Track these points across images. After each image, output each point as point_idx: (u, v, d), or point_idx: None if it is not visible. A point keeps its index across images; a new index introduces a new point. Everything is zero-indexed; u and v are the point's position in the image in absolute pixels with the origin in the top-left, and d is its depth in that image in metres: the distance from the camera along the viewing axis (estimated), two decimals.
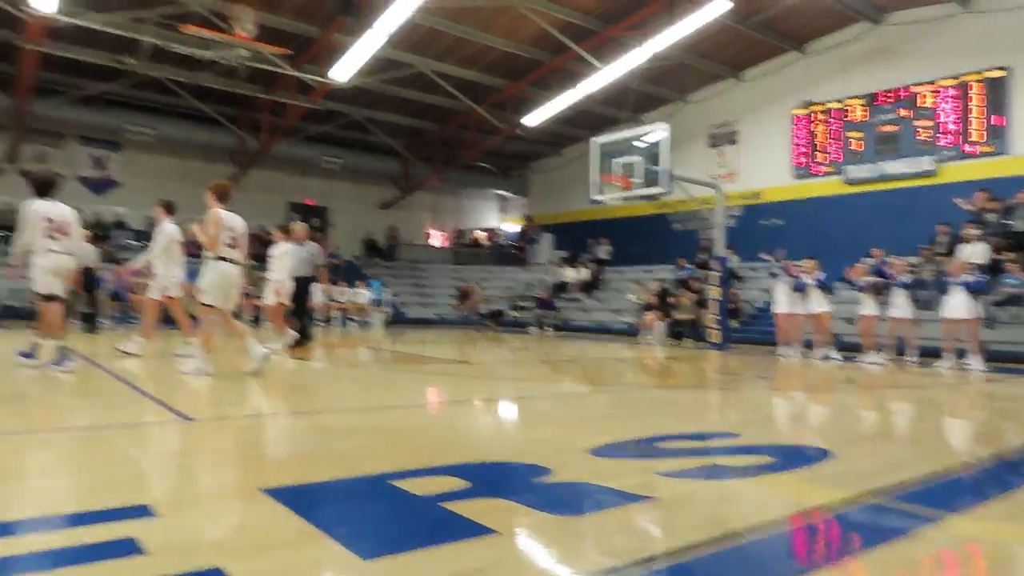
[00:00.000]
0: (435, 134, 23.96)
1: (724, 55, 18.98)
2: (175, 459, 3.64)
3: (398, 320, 21.07)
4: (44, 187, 6.99)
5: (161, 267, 8.43)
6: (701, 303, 15.35)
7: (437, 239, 28.20)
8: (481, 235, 29.11)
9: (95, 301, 14.11)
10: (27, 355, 6.89)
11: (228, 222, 6.81)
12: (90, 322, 13.55)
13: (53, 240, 6.75)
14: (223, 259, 6.75)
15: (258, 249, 13.91)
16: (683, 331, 15.52)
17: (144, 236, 20.74)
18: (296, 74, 16.20)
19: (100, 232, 20.00)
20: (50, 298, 6.86)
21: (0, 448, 3.55)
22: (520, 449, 4.12)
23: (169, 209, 8.58)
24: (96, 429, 4.36)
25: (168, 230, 8.38)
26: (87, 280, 13.00)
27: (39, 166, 20.21)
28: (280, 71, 15.81)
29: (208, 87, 17.91)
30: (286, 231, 10.38)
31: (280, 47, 14.43)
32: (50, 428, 4.38)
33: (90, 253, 12.96)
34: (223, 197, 6.92)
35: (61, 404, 5.44)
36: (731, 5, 14.63)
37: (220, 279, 6.77)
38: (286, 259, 9.90)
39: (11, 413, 4.70)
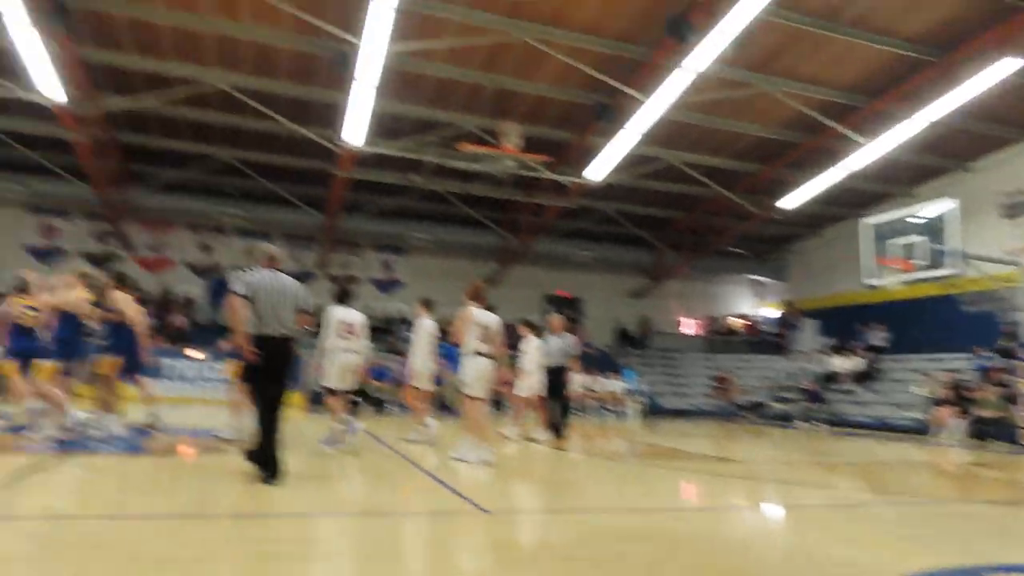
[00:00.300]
0: (684, 222, 23.96)
1: (1013, 116, 16.78)
2: (504, 552, 3.93)
3: (653, 410, 20.81)
4: (343, 295, 8.44)
5: (419, 360, 9.18)
6: (1009, 398, 13.16)
7: (689, 327, 27.69)
8: (735, 322, 28.02)
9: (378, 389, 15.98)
10: (332, 441, 7.96)
11: (481, 319, 7.38)
12: (378, 406, 15.31)
13: (345, 340, 7.97)
14: (479, 354, 7.32)
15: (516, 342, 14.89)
16: (988, 430, 13.36)
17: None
18: (554, 177, 17.39)
19: (385, 326, 22.79)
20: (333, 392, 8.03)
21: (329, 529, 4.13)
22: (827, 573, 3.76)
23: (427, 306, 9.42)
24: (409, 516, 4.86)
25: (426, 325, 9.19)
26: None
27: (342, 273, 23.80)
28: (540, 176, 17.10)
29: (476, 195, 19.89)
30: (531, 326, 10.98)
31: (541, 155, 15.67)
32: (363, 511, 4.98)
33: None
34: (476, 297, 7.54)
35: (366, 487, 6.15)
36: (1022, 63, 13.03)
37: (477, 373, 7.33)
38: (536, 352, 10.52)
39: (322, 493, 5.43)
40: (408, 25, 12.41)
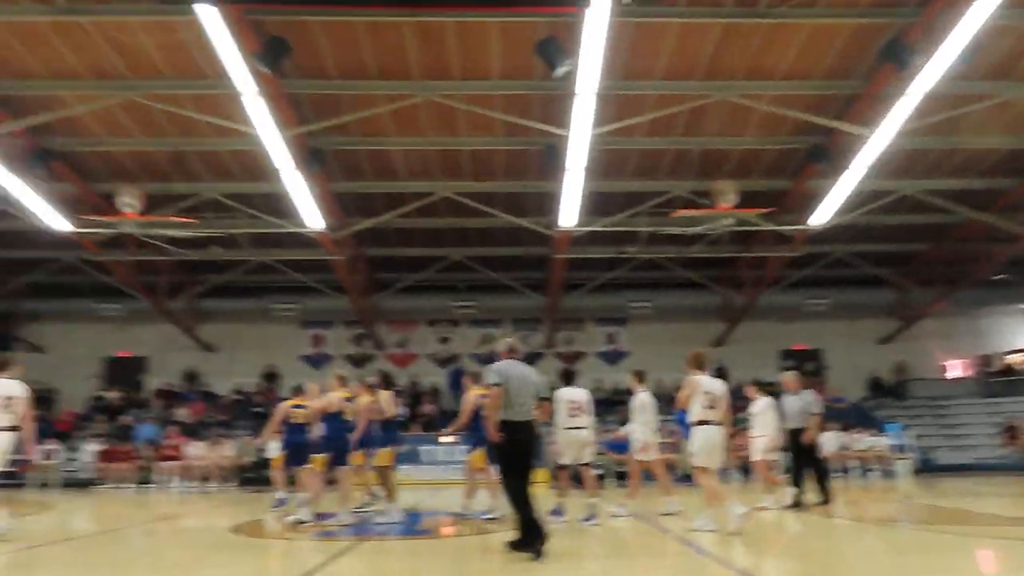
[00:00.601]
0: (932, 254, 21.56)
1: None
2: None
3: (926, 467, 18.46)
4: (568, 376, 9.11)
5: (638, 431, 9.11)
6: None
7: (956, 369, 24.41)
8: (1015, 359, 24.21)
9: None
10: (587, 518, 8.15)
11: (706, 387, 7.30)
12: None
13: (573, 418, 8.41)
14: (705, 422, 7.24)
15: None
16: None
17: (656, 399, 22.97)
18: (774, 228, 16.71)
19: (616, 398, 22.83)
20: (564, 467, 8.56)
21: None
22: None
23: (640, 378, 9.43)
24: None
25: (640, 397, 9.18)
26: None
27: (568, 350, 24.48)
28: (758, 228, 16.54)
29: (692, 256, 19.63)
30: (760, 386, 10.55)
31: (758, 207, 15.20)
32: None
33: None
34: (699, 365, 7.49)
35: (629, 564, 6.14)
36: None
37: (704, 442, 7.24)
38: (768, 414, 10.04)
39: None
40: (609, 108, 12.96)
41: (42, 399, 22.49)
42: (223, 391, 22.74)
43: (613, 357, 24.81)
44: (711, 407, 7.29)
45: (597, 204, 16.55)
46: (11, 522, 7.17)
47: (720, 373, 21.43)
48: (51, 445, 18.70)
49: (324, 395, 8.99)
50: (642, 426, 9.08)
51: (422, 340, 24.64)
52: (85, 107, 13.40)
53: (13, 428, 7.14)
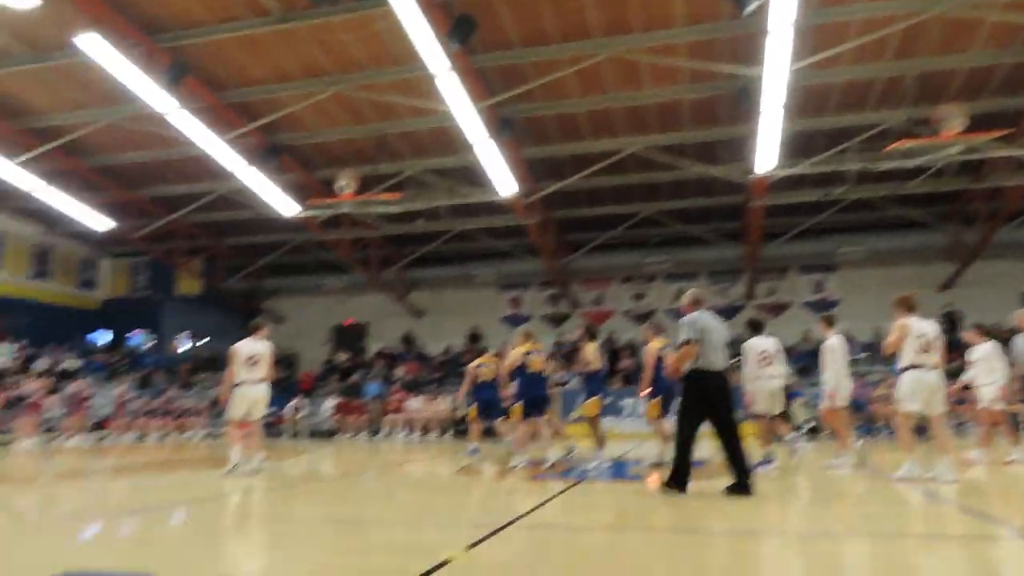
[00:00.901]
0: None
1: None
2: None
3: None
4: (755, 327, 9.11)
5: (832, 380, 8.63)
6: None
7: None
8: None
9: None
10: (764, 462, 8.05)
11: (917, 329, 7.00)
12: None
13: (764, 368, 8.55)
14: (915, 366, 6.95)
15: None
16: None
17: (869, 348, 21.32)
18: (1012, 153, 14.66)
19: None
20: (759, 416, 8.71)
21: (860, 550, 4.12)
22: None
23: (829, 323, 8.99)
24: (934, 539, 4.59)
25: (830, 343, 8.69)
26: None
27: (771, 301, 23.40)
28: (992, 155, 14.62)
29: (911, 193, 17.79)
30: (983, 331, 9.59)
31: (991, 131, 13.41)
32: (892, 534, 4.82)
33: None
34: (909, 307, 7.20)
35: (866, 509, 5.91)
36: None
37: (915, 386, 6.96)
38: (993, 360, 9.20)
39: (820, 513, 5.37)
40: (806, 40, 12.05)
41: (286, 362, 25.85)
42: (434, 352, 24.57)
43: (821, 307, 23.28)
44: (924, 351, 6.96)
45: (798, 145, 15.52)
46: (263, 463, 8.44)
47: (951, 319, 19.42)
48: (297, 401, 21.47)
49: (510, 352, 9.72)
50: (833, 373, 8.68)
51: (617, 297, 24.77)
52: (301, 104, 14.94)
53: (259, 382, 8.48)
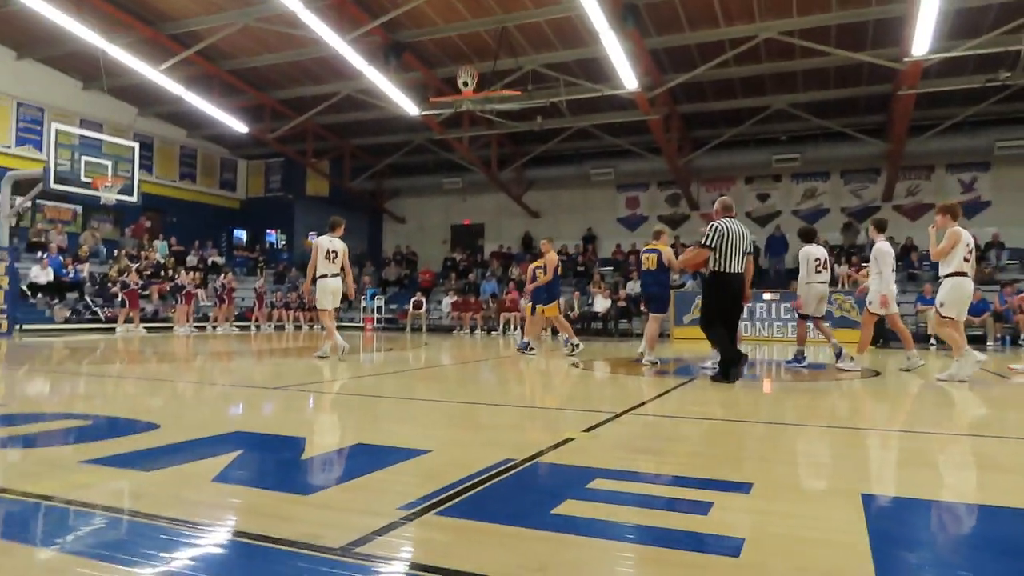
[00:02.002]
0: None
1: None
2: None
3: None
4: (809, 235, 9.27)
5: (875, 284, 8.34)
6: None
7: None
8: None
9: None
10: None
11: (967, 238, 7.20)
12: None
13: (818, 274, 8.87)
14: (959, 274, 7.13)
15: None
16: None
17: (1021, 254, 19.52)
18: None
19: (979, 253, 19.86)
20: (805, 317, 9.07)
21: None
22: None
23: (880, 227, 8.61)
24: None
25: (879, 247, 8.41)
26: None
27: (910, 201, 21.70)
28: None
29: None
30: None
31: None
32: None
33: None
34: (956, 215, 7.32)
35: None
36: None
37: (960, 292, 7.17)
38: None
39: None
40: None
41: (407, 261, 26.90)
42: None
43: (969, 209, 21.37)
44: (966, 260, 7.19)
45: (959, 24, 13.91)
46: (345, 350, 9.00)
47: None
48: (419, 298, 22.44)
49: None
50: (879, 278, 8.32)
51: (739, 198, 23.71)
52: None
53: (336, 275, 9.10)
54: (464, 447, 3.69)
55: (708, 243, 6.70)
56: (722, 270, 6.69)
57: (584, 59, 16.84)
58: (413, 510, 2.30)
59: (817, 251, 9.15)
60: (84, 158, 14.82)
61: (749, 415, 5.22)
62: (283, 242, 27.20)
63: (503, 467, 2.95)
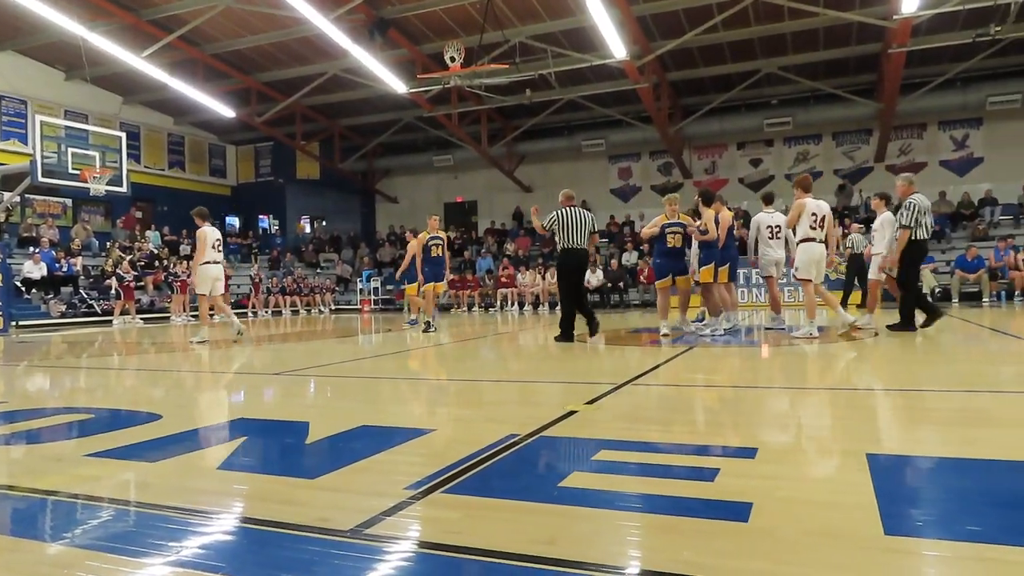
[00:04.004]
0: None
1: None
2: None
3: None
4: (807, 185, 8.58)
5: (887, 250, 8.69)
6: None
7: None
8: None
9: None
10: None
11: (812, 207, 8.10)
12: None
13: (813, 230, 8.19)
14: (808, 240, 8.10)
15: None
16: None
17: (1014, 210, 19.51)
18: None
19: (965, 212, 19.87)
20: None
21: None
22: None
23: (886, 200, 9.00)
24: None
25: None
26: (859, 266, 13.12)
27: (903, 161, 21.63)
28: None
29: None
30: (883, 198, 9.18)
31: None
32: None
33: (860, 241, 13.75)
34: (806, 188, 8.27)
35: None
36: None
37: (806, 256, 8.13)
38: (886, 230, 8.81)
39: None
40: None
41: (401, 241, 26.80)
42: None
43: (962, 166, 21.36)
44: (813, 227, 8.06)
45: None
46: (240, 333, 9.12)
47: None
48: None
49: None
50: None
51: (731, 164, 23.70)
52: None
53: (218, 262, 9.78)
54: (468, 424, 3.70)
55: (549, 227, 8.28)
56: (565, 247, 8.23)
57: (571, 29, 16.65)
58: (420, 489, 2.30)
59: (772, 219, 9.27)
60: (71, 150, 14.64)
61: (748, 381, 5.24)
62: (276, 227, 27.06)
63: (508, 443, 2.96)
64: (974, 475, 2.47)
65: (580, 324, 8.42)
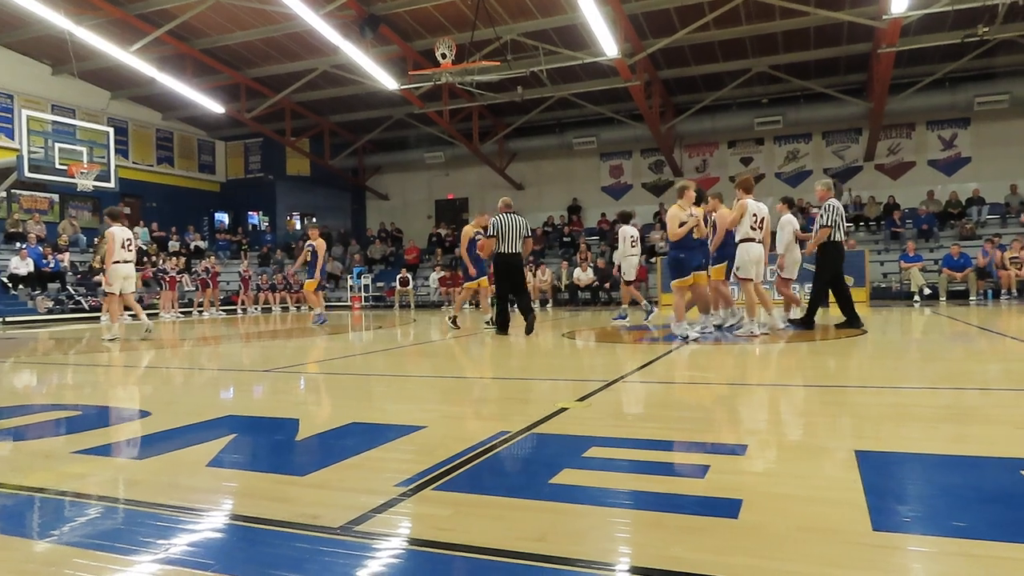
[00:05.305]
0: None
1: None
2: None
3: None
4: (748, 187, 8.53)
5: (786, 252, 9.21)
6: None
7: None
8: None
9: None
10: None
11: (752, 208, 8.20)
12: None
13: (753, 231, 8.31)
14: (747, 240, 8.21)
15: None
16: None
17: (1001, 209, 19.67)
18: None
19: (952, 211, 20.03)
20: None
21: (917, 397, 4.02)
22: None
23: (788, 204, 9.44)
24: None
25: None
26: None
27: (892, 160, 21.77)
28: None
29: None
30: (787, 203, 9.59)
31: None
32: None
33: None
34: (748, 189, 8.36)
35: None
36: None
37: (746, 256, 8.23)
38: (785, 230, 9.28)
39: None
40: None
41: (392, 238, 26.74)
42: (535, 224, 24.66)
43: (950, 166, 21.51)
44: (753, 228, 8.20)
45: None
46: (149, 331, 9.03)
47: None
48: (405, 275, 22.36)
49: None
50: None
51: (722, 162, 23.77)
52: None
53: (129, 262, 10.03)
54: (459, 421, 3.70)
55: (490, 233, 8.99)
56: (502, 251, 8.97)
57: (563, 27, 16.65)
58: (411, 486, 2.30)
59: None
60: (58, 145, 14.53)
61: (739, 378, 5.26)
62: (266, 224, 26.94)
63: (499, 439, 2.96)
64: (962, 472, 2.50)
65: (591, 322, 8.43)
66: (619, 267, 11.36)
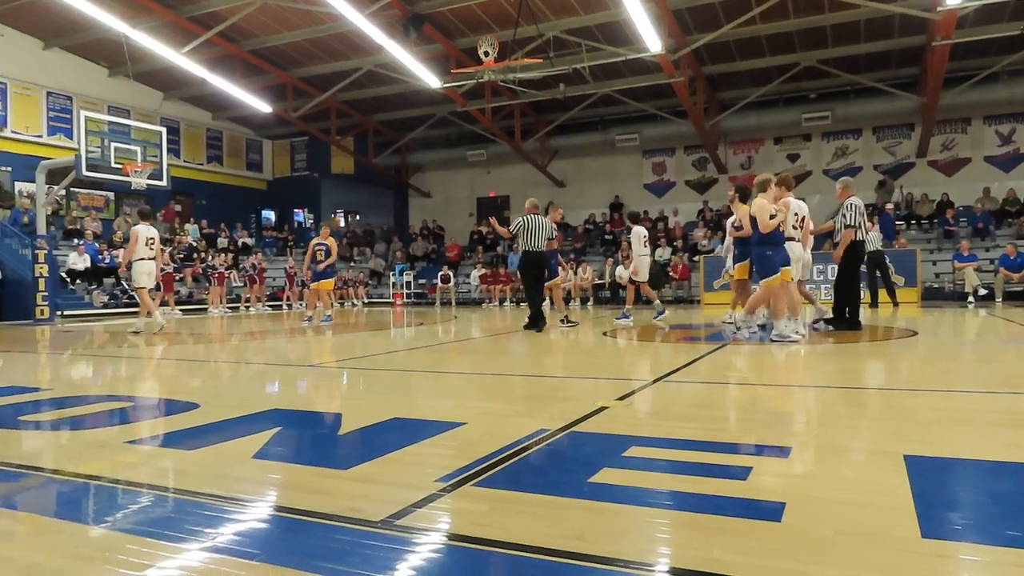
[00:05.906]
0: None
1: None
2: None
3: None
4: (789, 184, 8.14)
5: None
6: None
7: None
8: None
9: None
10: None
11: (795, 207, 8.02)
12: None
13: (794, 230, 8.14)
14: (788, 239, 7.85)
15: None
16: None
17: None
18: None
19: (1013, 208, 19.31)
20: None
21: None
22: None
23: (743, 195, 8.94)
24: None
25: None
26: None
27: (946, 156, 21.08)
28: None
29: None
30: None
31: None
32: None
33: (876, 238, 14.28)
34: (789, 186, 8.07)
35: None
36: None
37: (789, 255, 7.82)
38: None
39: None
40: None
41: (434, 235, 26.93)
42: (576, 222, 24.58)
43: (1008, 162, 20.73)
44: (795, 227, 8.01)
45: None
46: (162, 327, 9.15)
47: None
48: (447, 272, 22.50)
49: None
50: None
51: (768, 159, 23.30)
52: None
53: (152, 259, 10.56)
54: (499, 418, 3.71)
55: (514, 231, 9.66)
56: (527, 249, 9.59)
57: (606, 23, 16.54)
58: (451, 482, 2.32)
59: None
60: (114, 144, 14.99)
61: (782, 379, 5.17)
62: (311, 221, 27.38)
63: (538, 437, 2.96)
64: (1017, 479, 2.41)
65: (612, 320, 8.37)
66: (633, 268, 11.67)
